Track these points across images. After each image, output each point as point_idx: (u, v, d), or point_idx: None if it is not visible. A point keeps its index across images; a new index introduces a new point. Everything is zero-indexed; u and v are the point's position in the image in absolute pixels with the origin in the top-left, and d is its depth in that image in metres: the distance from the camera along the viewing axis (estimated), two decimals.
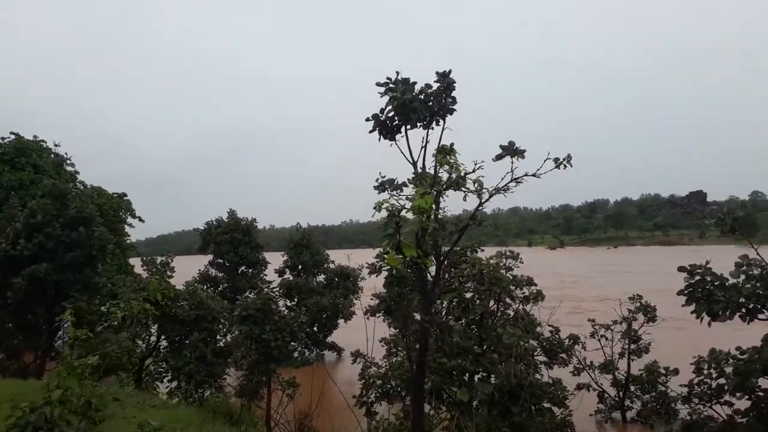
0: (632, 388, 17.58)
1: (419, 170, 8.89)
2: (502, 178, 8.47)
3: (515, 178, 8.46)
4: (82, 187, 30.82)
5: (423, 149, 8.67)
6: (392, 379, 15.14)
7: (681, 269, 10.37)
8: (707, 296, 9.53)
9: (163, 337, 16.39)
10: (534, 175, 8.41)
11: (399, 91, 7.94)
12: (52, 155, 31.37)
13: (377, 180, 8.74)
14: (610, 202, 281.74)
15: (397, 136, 8.56)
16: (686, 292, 9.89)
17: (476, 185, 8.36)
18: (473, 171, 8.30)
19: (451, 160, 8.97)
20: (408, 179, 8.65)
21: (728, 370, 10.39)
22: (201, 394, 15.93)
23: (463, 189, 8.66)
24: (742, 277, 9.40)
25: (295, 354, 24.40)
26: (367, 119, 8.24)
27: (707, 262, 9.84)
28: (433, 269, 9.09)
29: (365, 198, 7.21)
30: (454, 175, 8.64)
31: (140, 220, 34.85)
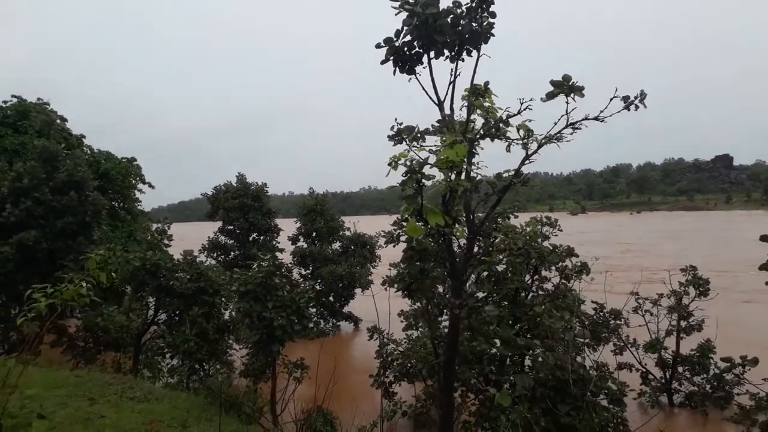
0: (680, 369, 15.73)
1: (446, 115, 6.91)
2: (555, 123, 6.48)
3: (571, 123, 6.46)
4: (88, 152, 29.33)
5: (451, 85, 6.64)
6: (412, 358, 13.65)
7: (765, 238, 8.38)
8: None
9: (161, 311, 15.02)
10: (597, 118, 6.38)
11: (420, 4, 5.87)
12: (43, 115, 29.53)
13: (392, 128, 6.76)
14: (633, 167, 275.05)
15: (418, 69, 6.52)
16: None
17: (522, 133, 6.41)
18: (519, 113, 6.33)
19: (486, 104, 7.00)
20: (432, 125, 6.67)
21: None
22: (206, 373, 14.66)
23: (504, 138, 6.72)
24: None
25: (310, 325, 23.06)
26: (378, 45, 6.20)
27: None
28: (463, 240, 7.25)
29: (383, 160, 5.32)
30: (492, 121, 6.69)
31: (150, 186, 33.41)
